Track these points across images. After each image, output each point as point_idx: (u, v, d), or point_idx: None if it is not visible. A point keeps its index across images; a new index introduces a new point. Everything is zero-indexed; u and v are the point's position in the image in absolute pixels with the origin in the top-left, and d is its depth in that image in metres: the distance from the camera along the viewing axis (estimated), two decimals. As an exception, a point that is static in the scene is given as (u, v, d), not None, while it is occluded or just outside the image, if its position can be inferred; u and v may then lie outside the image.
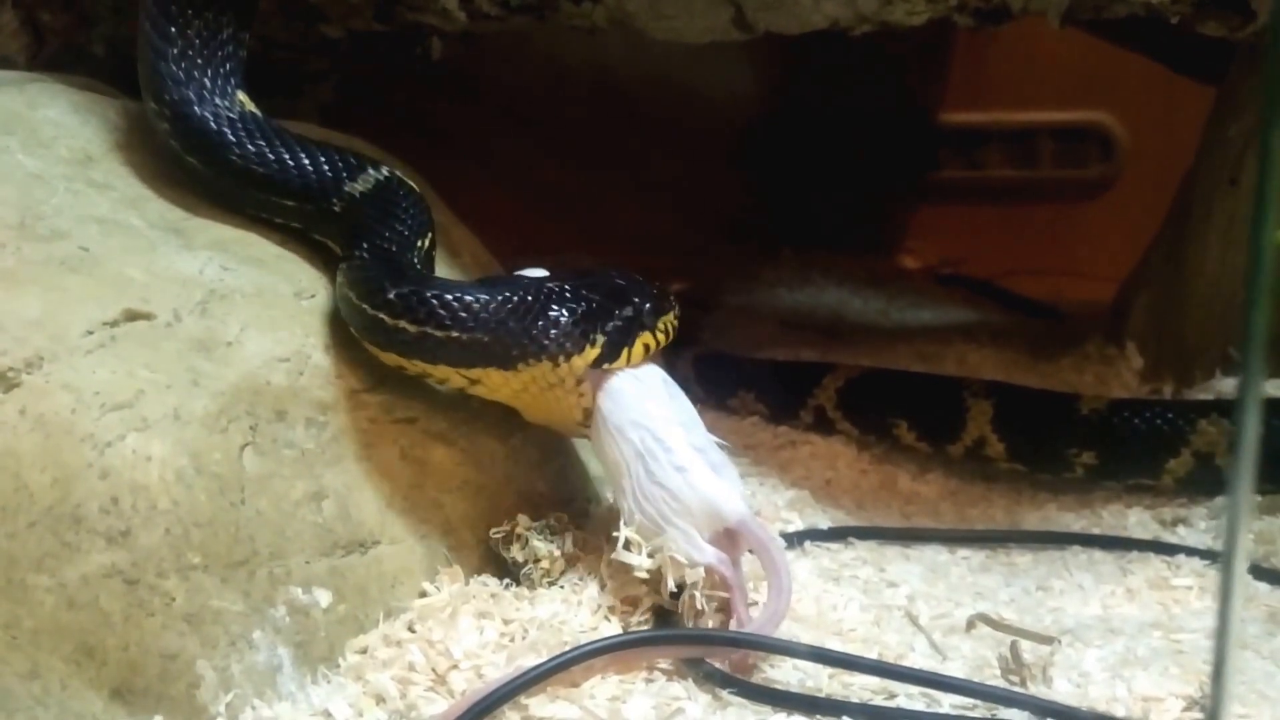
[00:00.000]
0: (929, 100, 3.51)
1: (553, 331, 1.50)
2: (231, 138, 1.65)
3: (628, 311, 1.56)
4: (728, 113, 3.48)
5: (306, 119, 2.07)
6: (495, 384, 1.51)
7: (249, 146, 1.64)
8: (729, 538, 1.47)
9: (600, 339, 1.52)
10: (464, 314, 1.47)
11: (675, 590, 1.45)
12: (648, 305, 1.58)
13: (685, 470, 1.46)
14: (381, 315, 1.47)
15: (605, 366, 1.53)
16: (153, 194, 1.68)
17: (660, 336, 1.59)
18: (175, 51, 1.67)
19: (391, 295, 1.46)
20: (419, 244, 1.59)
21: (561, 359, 1.50)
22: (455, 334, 1.47)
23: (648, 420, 1.50)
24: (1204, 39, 2.00)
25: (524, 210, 3.22)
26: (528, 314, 1.49)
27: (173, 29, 1.68)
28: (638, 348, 1.56)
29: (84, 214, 1.57)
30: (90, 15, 2.17)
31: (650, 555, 1.45)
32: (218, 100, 1.67)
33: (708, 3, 2.00)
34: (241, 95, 1.70)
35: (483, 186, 2.79)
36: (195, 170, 1.67)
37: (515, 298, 1.50)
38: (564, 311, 1.51)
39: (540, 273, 1.59)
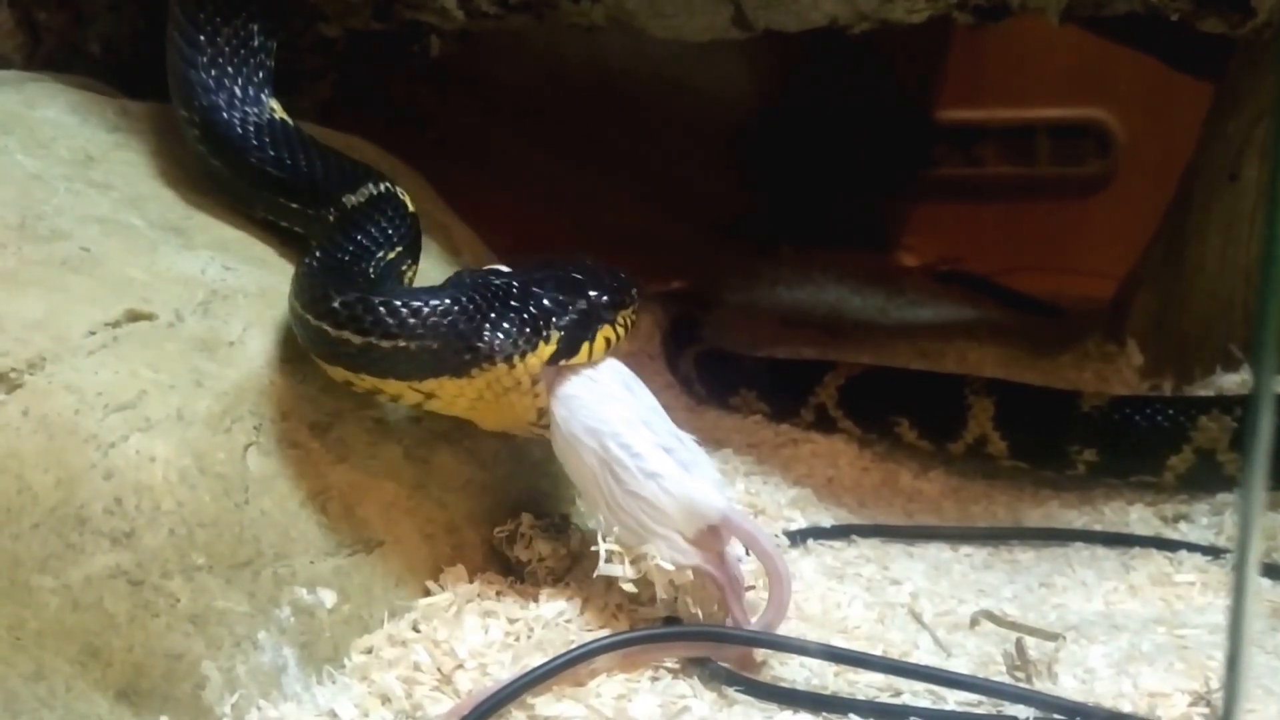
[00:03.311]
0: (926, 97, 3.51)
1: (505, 331, 1.43)
2: (254, 142, 1.66)
3: (582, 305, 1.50)
4: (726, 111, 3.48)
5: (304, 117, 2.06)
6: (450, 395, 1.44)
7: (269, 151, 1.65)
8: (711, 534, 1.43)
9: (555, 334, 1.46)
10: (411, 320, 1.39)
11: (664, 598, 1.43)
12: (605, 298, 1.52)
13: (658, 476, 1.41)
14: (325, 326, 1.40)
15: (564, 362, 1.48)
16: (153, 194, 1.68)
17: (620, 330, 1.54)
18: (205, 59, 1.69)
19: (336, 304, 1.39)
20: (379, 255, 1.53)
21: (516, 359, 1.43)
22: (403, 343, 1.39)
23: (606, 425, 1.45)
24: (1202, 35, 2.00)
25: (522, 208, 3.21)
26: (477, 314, 1.42)
27: (201, 37, 1.69)
28: (599, 342, 1.51)
29: (84, 214, 1.57)
30: (86, 14, 2.16)
31: (634, 564, 1.42)
32: (247, 107, 1.68)
33: (707, 1, 2.00)
34: (272, 102, 1.71)
35: (481, 185, 2.79)
36: (219, 172, 1.69)
37: (463, 299, 1.42)
38: (514, 309, 1.44)
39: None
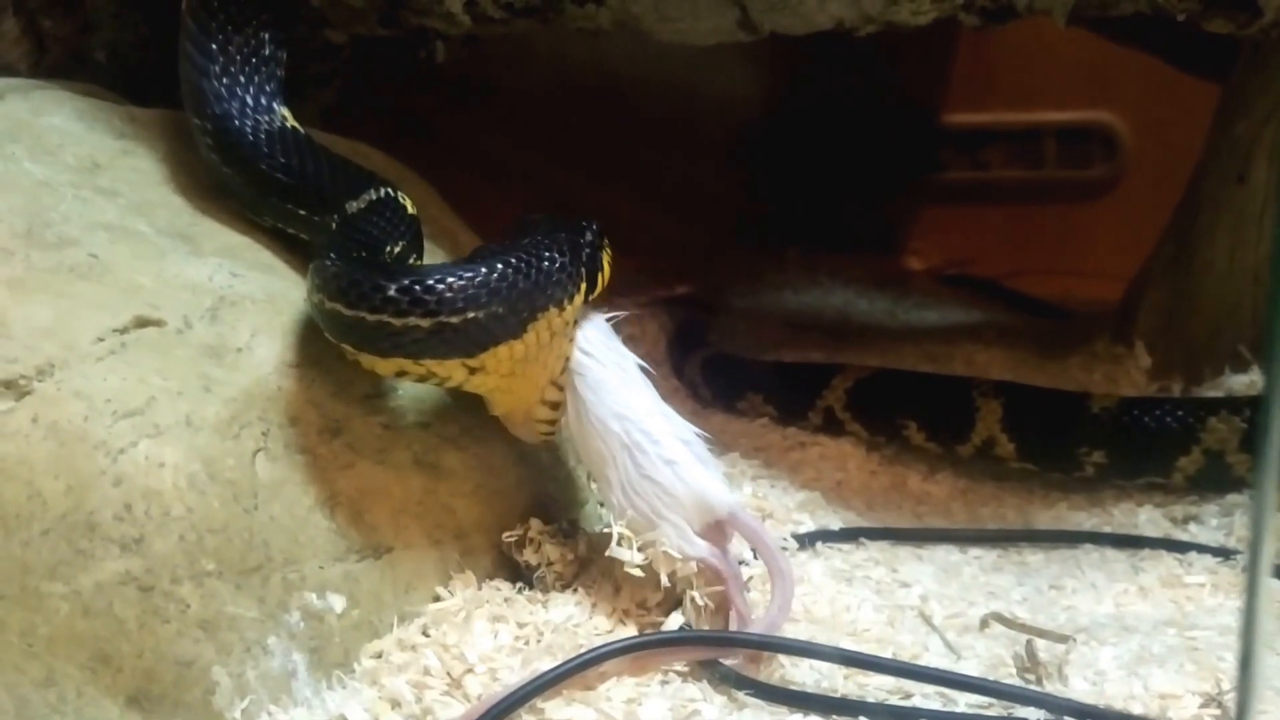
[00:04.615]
0: (932, 101, 3.51)
1: (556, 278, 1.45)
2: (265, 150, 1.66)
3: (589, 237, 1.55)
4: (732, 114, 3.47)
5: (309, 123, 2.07)
6: (499, 361, 1.44)
7: (279, 159, 1.65)
8: (716, 529, 1.48)
9: (583, 272, 1.50)
10: (472, 291, 1.39)
11: (668, 584, 1.46)
12: (593, 231, 1.57)
13: (675, 463, 1.46)
14: (385, 317, 1.38)
15: (592, 298, 1.53)
16: (160, 200, 1.69)
17: (609, 254, 1.60)
18: (217, 69, 1.69)
19: (393, 292, 1.37)
20: (388, 248, 1.54)
21: (566, 302, 1.47)
22: (471, 314, 1.39)
23: (631, 412, 1.49)
24: (1209, 36, 1.99)
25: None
26: (532, 271, 1.44)
27: (213, 46, 1.70)
28: (606, 270, 1.57)
29: (92, 221, 1.57)
30: (92, 22, 2.17)
31: (641, 550, 1.46)
32: (259, 115, 1.68)
33: (713, 4, 2.00)
34: (284, 110, 1.72)
35: (487, 189, 2.78)
36: (230, 180, 1.69)
37: (511, 259, 1.44)
38: (556, 256, 1.46)
39: None
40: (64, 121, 1.75)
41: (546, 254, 1.46)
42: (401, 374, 1.46)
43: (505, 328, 1.43)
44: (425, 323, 1.38)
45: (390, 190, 1.64)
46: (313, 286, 1.46)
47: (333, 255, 1.47)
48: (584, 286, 1.50)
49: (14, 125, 1.70)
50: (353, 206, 1.61)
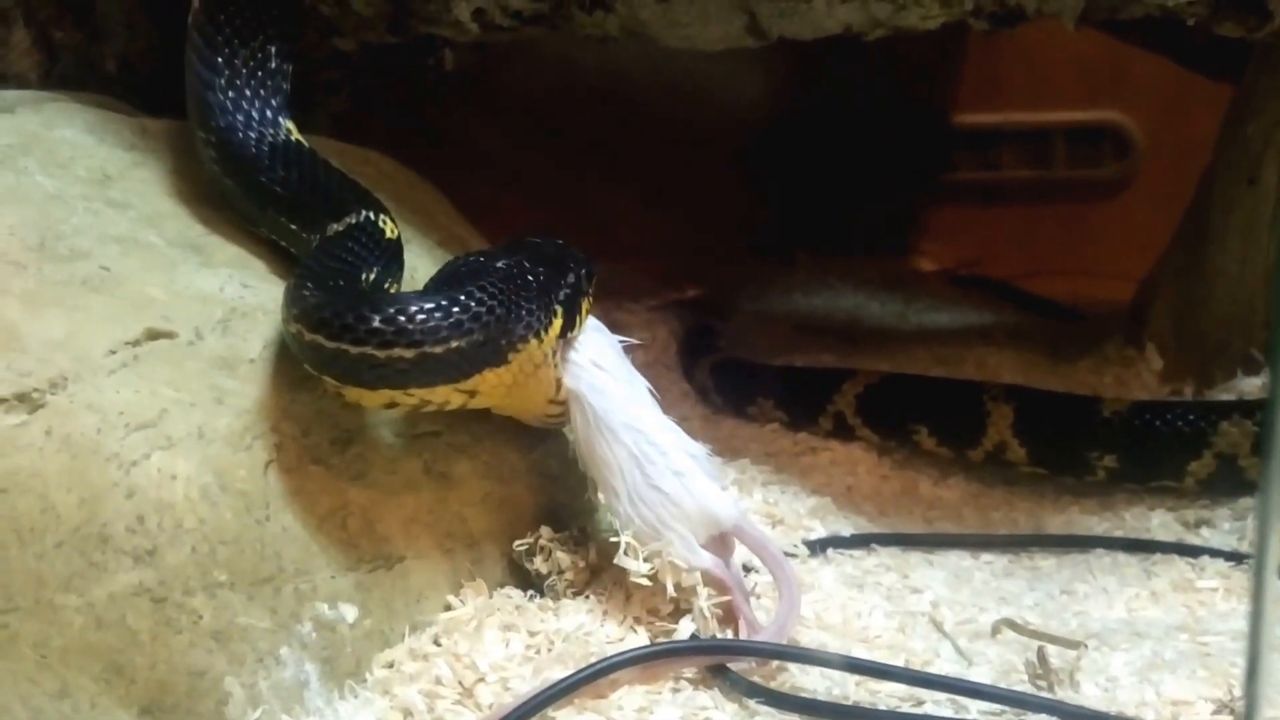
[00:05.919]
0: (943, 101, 3.50)
1: (530, 310, 1.44)
2: (266, 163, 1.66)
3: (570, 279, 1.54)
4: (741, 117, 3.47)
5: (319, 130, 2.08)
6: (491, 386, 1.44)
7: (278, 172, 1.65)
8: (720, 541, 1.50)
9: (559, 308, 1.49)
10: (456, 319, 1.38)
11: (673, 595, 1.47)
12: (583, 270, 1.57)
13: (683, 475, 1.48)
14: (369, 349, 1.36)
15: (570, 335, 1.53)
16: (171, 212, 1.69)
17: (591, 299, 1.59)
18: (222, 81, 1.70)
19: (376, 323, 1.36)
20: (363, 276, 1.52)
21: (542, 333, 1.45)
22: (455, 343, 1.38)
23: (641, 423, 1.51)
24: (1220, 38, 1.99)
25: (538, 218, 3.20)
26: (507, 300, 1.43)
27: (219, 59, 1.70)
28: (584, 312, 1.56)
29: (103, 233, 1.58)
30: (102, 32, 2.18)
31: (648, 560, 1.47)
32: (264, 128, 1.69)
33: (721, 10, 2.00)
34: (289, 124, 1.72)
35: (497, 194, 2.79)
36: (231, 192, 1.69)
37: (488, 287, 1.42)
38: (527, 289, 1.46)
39: None
40: (75, 134, 1.76)
41: (521, 285, 1.46)
42: (392, 405, 1.44)
43: (487, 354, 1.41)
44: (409, 354, 1.37)
45: (371, 214, 1.62)
46: (289, 316, 1.42)
47: (310, 284, 1.44)
48: (558, 322, 1.49)
49: (25, 138, 1.70)
50: (333, 228, 1.59)
